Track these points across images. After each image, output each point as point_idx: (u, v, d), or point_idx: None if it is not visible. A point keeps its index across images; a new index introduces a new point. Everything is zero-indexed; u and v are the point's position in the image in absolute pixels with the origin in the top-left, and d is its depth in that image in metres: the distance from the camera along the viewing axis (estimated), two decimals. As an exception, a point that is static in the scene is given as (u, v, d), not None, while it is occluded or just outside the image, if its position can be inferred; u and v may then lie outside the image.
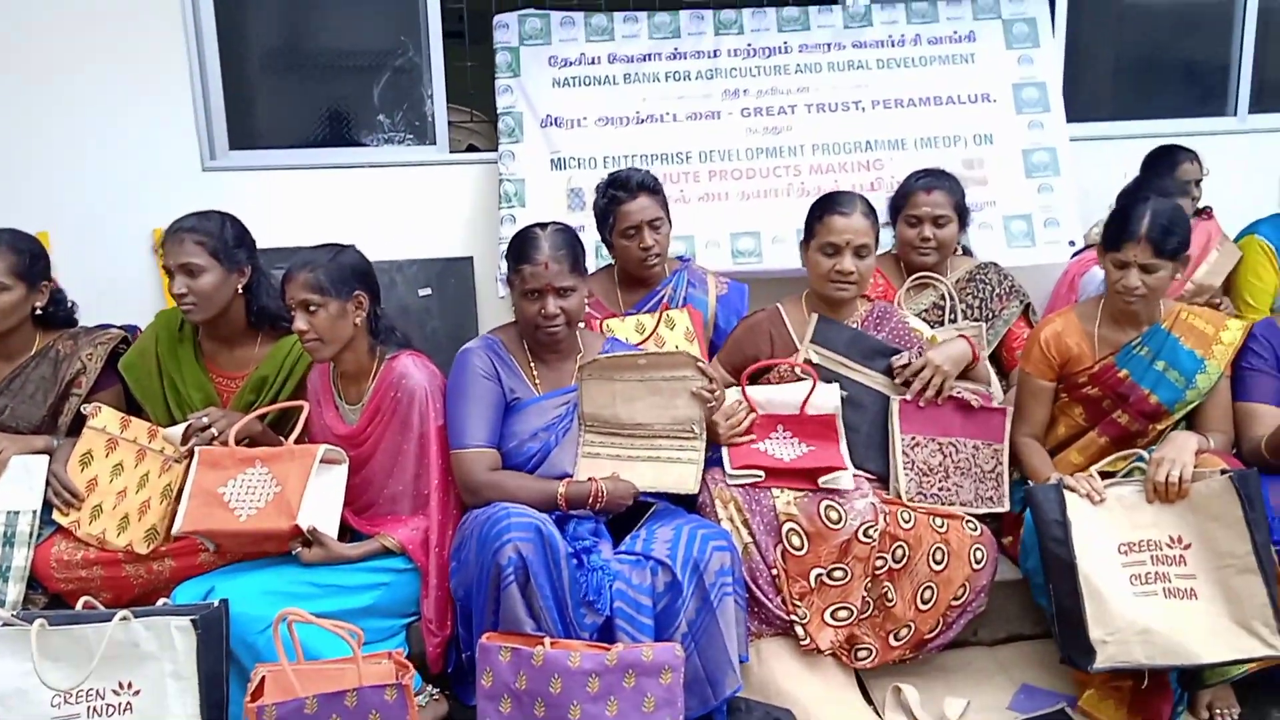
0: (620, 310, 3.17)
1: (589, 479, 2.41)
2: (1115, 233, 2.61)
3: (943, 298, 3.26)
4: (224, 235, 2.62)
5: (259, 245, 4.09)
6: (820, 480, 2.49)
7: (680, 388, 2.47)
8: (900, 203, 3.26)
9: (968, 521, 2.53)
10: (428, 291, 4.30)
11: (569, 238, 2.49)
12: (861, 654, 2.50)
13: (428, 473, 2.45)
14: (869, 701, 2.51)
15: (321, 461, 2.39)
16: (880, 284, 3.31)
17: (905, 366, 2.63)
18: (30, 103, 4.00)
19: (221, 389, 2.67)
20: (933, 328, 3.23)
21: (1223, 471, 2.35)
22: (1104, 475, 2.49)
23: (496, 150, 4.11)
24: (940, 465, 2.60)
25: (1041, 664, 2.63)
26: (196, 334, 2.73)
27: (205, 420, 2.48)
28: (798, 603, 2.46)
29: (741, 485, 2.49)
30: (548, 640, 2.19)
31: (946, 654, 2.66)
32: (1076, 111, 4.53)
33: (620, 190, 3.05)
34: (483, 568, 2.22)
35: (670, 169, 4.12)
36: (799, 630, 2.46)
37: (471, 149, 4.71)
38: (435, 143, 4.31)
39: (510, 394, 2.48)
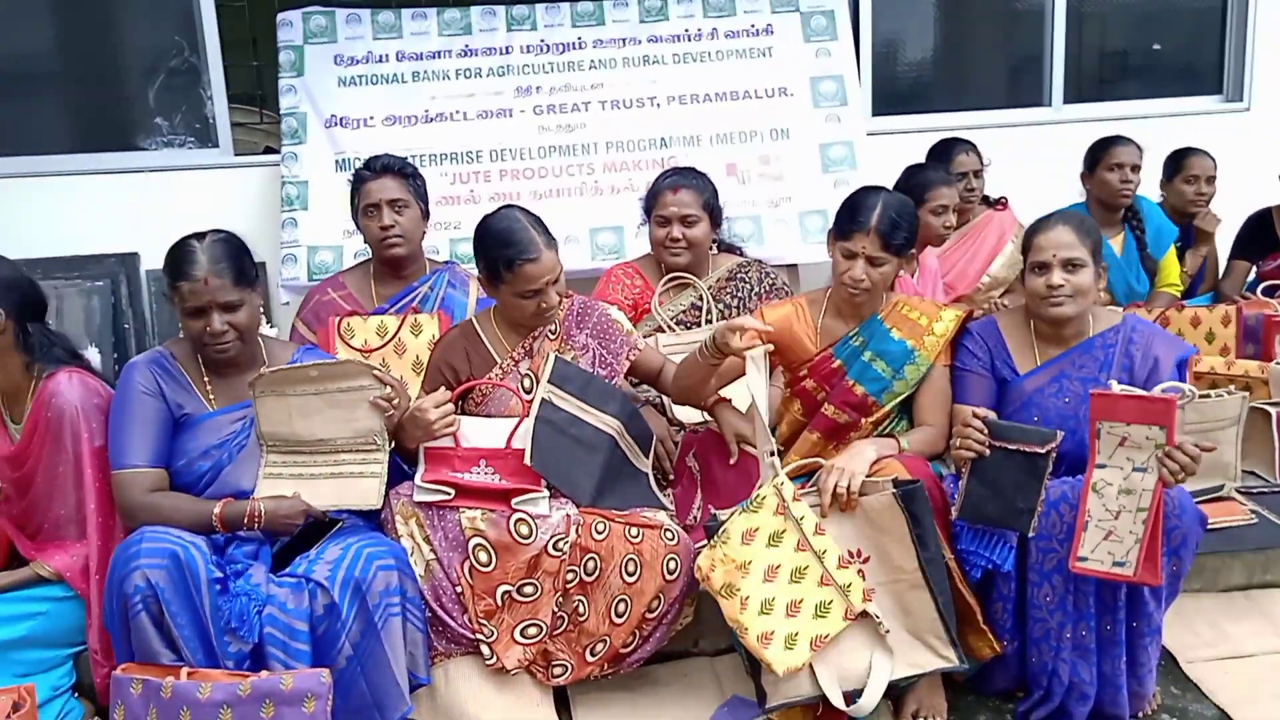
0: (373, 305, 3.07)
1: (251, 499, 2.29)
2: (845, 222, 2.55)
3: (700, 298, 3.18)
4: None
5: (33, 255, 3.97)
6: (514, 501, 2.39)
7: (359, 398, 2.35)
8: (650, 203, 3.18)
9: (666, 531, 2.43)
10: (217, 299, 4.15)
11: (230, 248, 2.34)
12: (557, 670, 2.40)
13: (86, 495, 2.31)
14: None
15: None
16: (639, 284, 3.23)
17: None
18: None
19: None
20: (689, 329, 3.18)
21: (896, 483, 2.28)
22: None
23: (280, 152, 3.99)
24: None
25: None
26: None
27: None
28: (484, 621, 2.36)
29: (428, 502, 2.38)
30: (184, 671, 2.08)
31: (663, 666, 2.58)
32: (886, 104, 4.51)
33: (365, 169, 3.03)
34: (113, 596, 2.09)
35: (460, 168, 4.04)
36: (485, 649, 2.35)
37: (270, 151, 4.56)
38: (218, 145, 4.17)
39: (178, 410, 2.35)
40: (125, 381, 2.33)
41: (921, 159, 3.90)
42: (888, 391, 2.58)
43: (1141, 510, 2.16)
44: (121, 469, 2.27)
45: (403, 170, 3.00)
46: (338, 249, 3.86)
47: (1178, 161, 4.06)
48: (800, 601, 2.24)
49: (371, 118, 4.04)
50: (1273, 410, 3.06)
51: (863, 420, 2.60)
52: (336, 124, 4.03)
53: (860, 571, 2.25)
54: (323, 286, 3.12)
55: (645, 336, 3.11)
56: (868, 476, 2.33)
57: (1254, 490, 2.99)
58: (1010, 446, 2.25)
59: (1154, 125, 4.54)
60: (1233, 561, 2.81)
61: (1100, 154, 3.84)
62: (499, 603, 2.37)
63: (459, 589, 2.36)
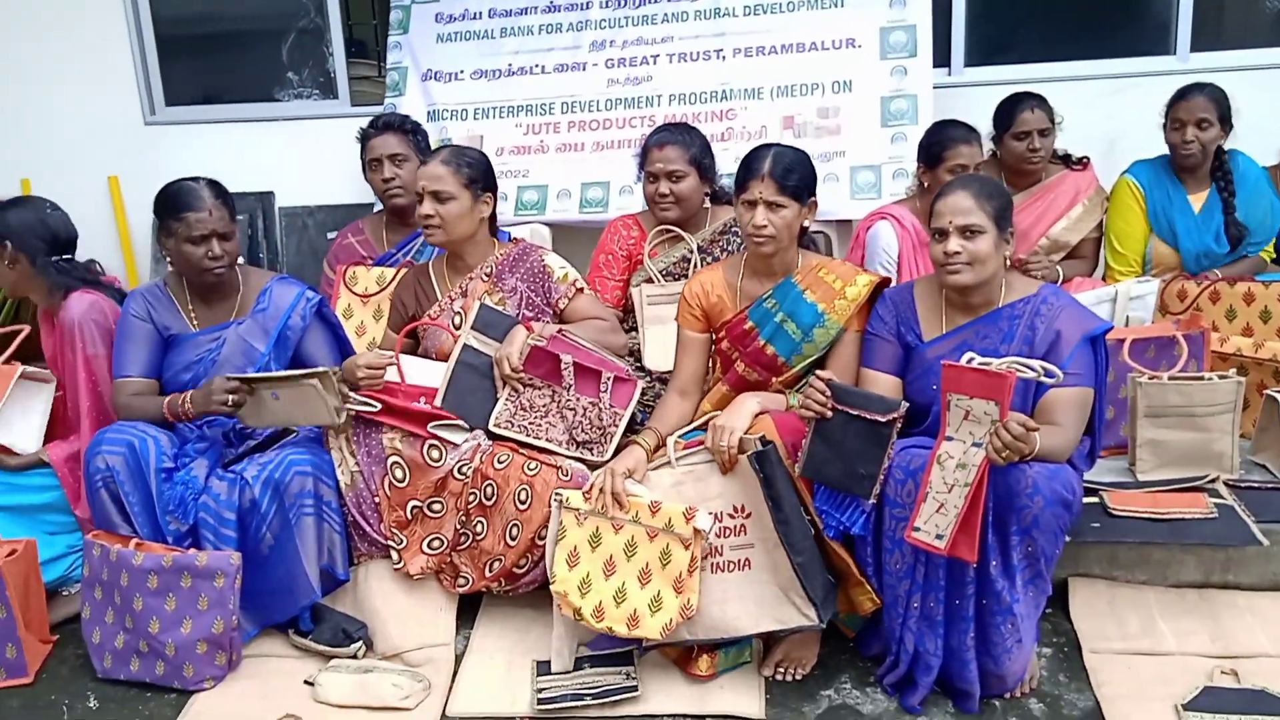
0: (383, 249, 3.44)
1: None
2: (741, 175, 2.60)
3: (691, 251, 3.28)
4: None
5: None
6: (430, 425, 2.66)
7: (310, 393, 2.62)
8: (641, 159, 3.29)
9: (561, 470, 2.61)
10: (334, 235, 4.68)
11: (223, 190, 2.78)
12: (461, 581, 2.68)
13: (80, 395, 2.82)
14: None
15: (29, 379, 2.84)
16: (634, 235, 3.36)
17: None
18: (3, 69, 4.69)
19: None
20: (676, 280, 3.29)
21: (763, 441, 2.34)
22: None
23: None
24: (543, 406, 2.70)
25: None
26: None
27: None
28: (396, 530, 2.67)
29: (355, 411, 2.66)
30: (133, 541, 2.54)
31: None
32: (982, 54, 4.30)
33: (370, 127, 3.38)
34: (85, 476, 2.59)
35: (533, 120, 4.30)
36: (394, 555, 2.67)
37: (391, 102, 5.03)
38: (338, 97, 4.67)
39: (166, 330, 2.79)
40: (124, 308, 2.81)
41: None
42: (797, 354, 2.61)
43: (968, 485, 2.12)
44: (117, 378, 2.76)
45: (403, 127, 3.31)
46: (421, 194, 4.25)
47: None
48: (646, 566, 2.39)
49: (461, 72, 4.37)
50: (1281, 398, 2.77)
51: (773, 379, 2.65)
52: (432, 77, 4.39)
53: (689, 512, 2.36)
54: (344, 232, 3.51)
55: (633, 286, 3.28)
56: (747, 434, 2.41)
57: (1243, 484, 2.74)
58: (852, 412, 2.25)
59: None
60: (1184, 556, 2.62)
61: (1170, 107, 3.50)
62: (409, 515, 2.67)
63: (377, 499, 2.68)
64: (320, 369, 2.57)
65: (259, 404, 2.61)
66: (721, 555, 2.42)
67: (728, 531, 2.43)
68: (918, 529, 2.20)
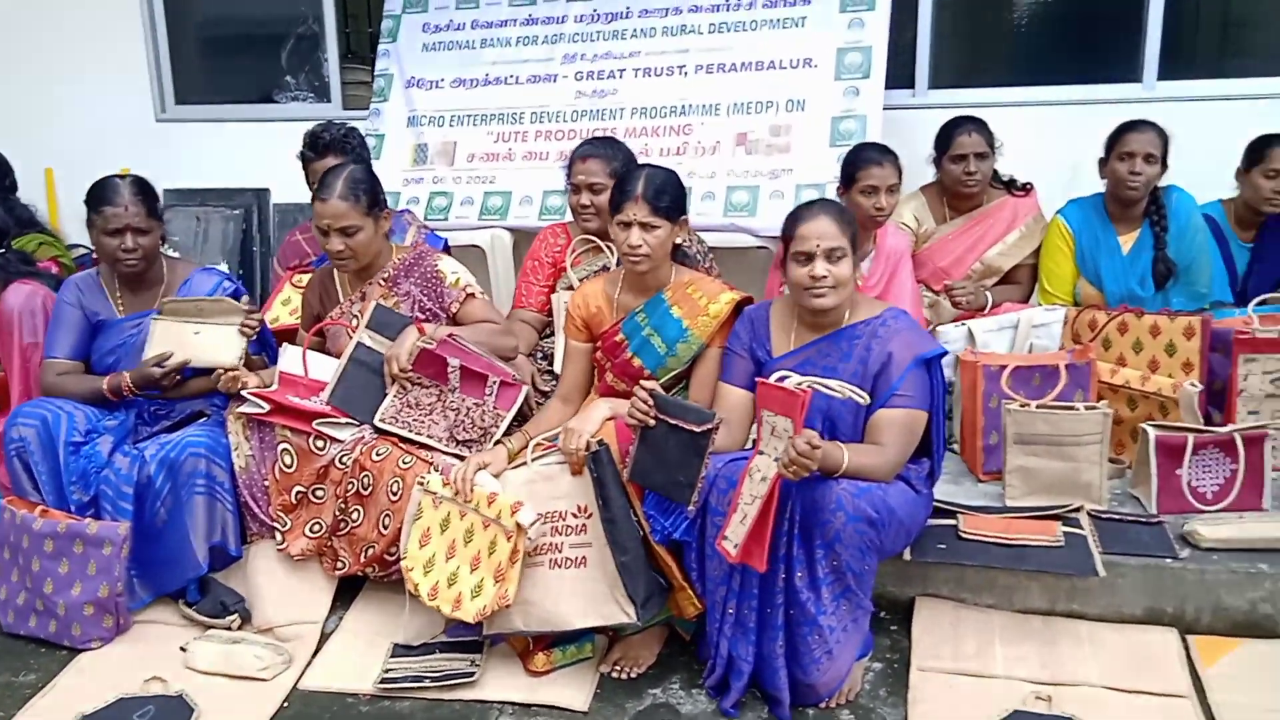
0: None
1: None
2: (615, 197, 2.71)
3: (610, 262, 3.39)
4: None
5: (194, 186, 4.98)
6: (315, 422, 2.82)
7: (231, 329, 2.92)
8: (568, 171, 3.41)
9: (434, 466, 2.76)
10: (323, 232, 4.92)
11: (145, 187, 2.99)
12: (339, 565, 2.85)
13: (13, 377, 3.08)
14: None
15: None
16: (560, 244, 3.48)
17: None
18: (32, 66, 5.06)
19: None
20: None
21: (599, 443, 2.46)
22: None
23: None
24: (428, 404, 2.84)
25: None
26: None
27: None
28: (281, 513, 2.85)
29: (246, 414, 2.86)
30: (38, 508, 2.78)
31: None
32: (949, 77, 4.32)
33: (308, 150, 3.53)
34: (5, 444, 2.84)
35: (504, 128, 4.47)
36: (278, 535, 2.86)
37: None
38: (331, 100, 4.91)
39: (94, 316, 3.02)
40: (60, 295, 3.06)
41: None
42: (661, 366, 2.71)
43: (760, 498, 2.20)
44: (46, 359, 3.00)
45: (343, 147, 3.46)
46: (395, 195, 4.44)
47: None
48: (477, 554, 2.54)
49: (442, 80, 4.57)
50: (1152, 431, 2.76)
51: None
52: (414, 85, 4.60)
53: (515, 506, 2.48)
54: (293, 231, 3.71)
55: (552, 293, 3.41)
56: (594, 438, 2.53)
57: (1106, 515, 2.74)
58: (672, 421, 2.35)
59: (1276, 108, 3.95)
60: (1030, 583, 2.64)
61: (1114, 140, 3.47)
62: (294, 500, 2.85)
63: (267, 483, 2.87)
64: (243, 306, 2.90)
65: (181, 338, 2.88)
66: (561, 552, 2.54)
67: (570, 530, 2.55)
68: (726, 538, 2.28)
